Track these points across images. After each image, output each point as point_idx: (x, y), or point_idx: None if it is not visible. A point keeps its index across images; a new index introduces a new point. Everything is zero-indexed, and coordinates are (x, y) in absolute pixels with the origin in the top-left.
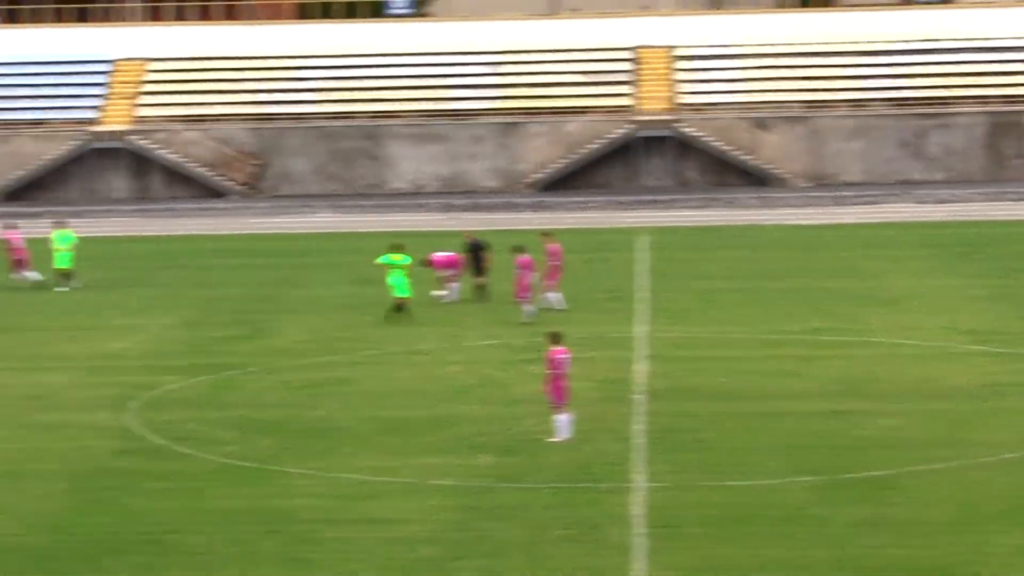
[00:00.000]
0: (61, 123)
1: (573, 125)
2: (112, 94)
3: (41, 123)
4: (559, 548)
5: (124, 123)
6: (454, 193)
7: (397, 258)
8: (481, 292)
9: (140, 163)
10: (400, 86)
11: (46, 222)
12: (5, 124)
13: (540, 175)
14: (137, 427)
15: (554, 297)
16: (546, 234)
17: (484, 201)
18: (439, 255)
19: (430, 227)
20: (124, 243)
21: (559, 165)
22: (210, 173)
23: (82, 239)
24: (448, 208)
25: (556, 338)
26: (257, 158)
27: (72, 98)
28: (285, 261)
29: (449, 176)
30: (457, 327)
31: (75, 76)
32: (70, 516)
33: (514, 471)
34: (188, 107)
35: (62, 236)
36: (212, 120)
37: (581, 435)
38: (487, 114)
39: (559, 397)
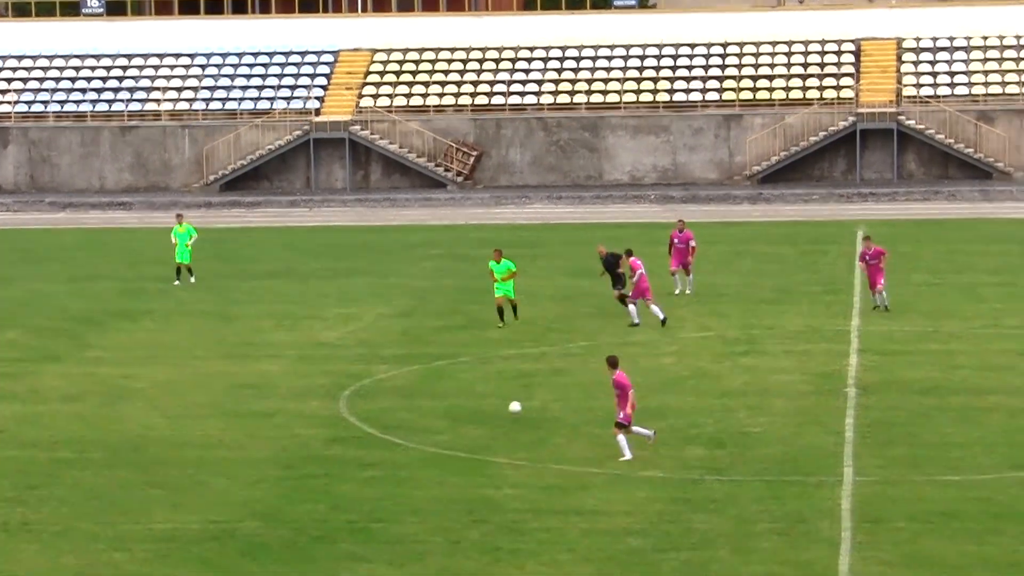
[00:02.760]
0: (283, 113)
1: (794, 117)
2: (335, 84)
3: (264, 113)
4: (766, 541)
5: (346, 113)
6: (672, 185)
7: (499, 265)
8: (623, 301)
9: (360, 153)
10: (621, 77)
11: (262, 212)
12: (228, 114)
13: (759, 167)
14: (348, 416)
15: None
16: (681, 221)
17: (702, 193)
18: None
19: (647, 219)
20: (343, 232)
21: (778, 157)
22: (429, 164)
23: (303, 229)
24: (666, 200)
25: (615, 362)
26: (476, 149)
27: (295, 88)
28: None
29: (668, 168)
30: (672, 319)
31: (299, 67)
32: (280, 503)
33: (723, 463)
34: (409, 98)
35: (182, 231)
36: (433, 111)
37: (792, 428)
38: (707, 106)
39: (628, 418)
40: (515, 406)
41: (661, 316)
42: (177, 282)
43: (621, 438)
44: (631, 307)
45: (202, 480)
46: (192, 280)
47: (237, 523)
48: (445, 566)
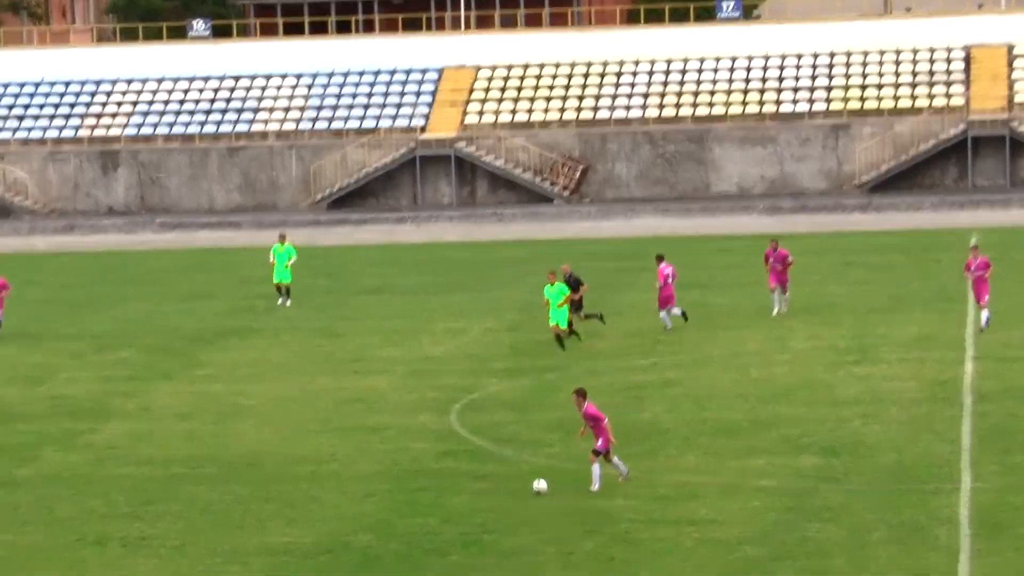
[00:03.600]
0: (389, 131)
1: (903, 125)
2: (439, 102)
3: (370, 132)
4: (883, 550)
5: (451, 130)
6: (780, 195)
7: (553, 289)
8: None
9: (466, 169)
10: (727, 89)
11: (369, 229)
12: (335, 133)
13: (869, 176)
14: (459, 429)
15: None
16: (775, 239)
17: (811, 203)
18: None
19: (756, 230)
20: (449, 248)
21: (888, 166)
22: (535, 178)
23: (410, 245)
24: (775, 211)
25: (583, 394)
26: (581, 163)
27: (400, 106)
28: (609, 265)
29: (776, 178)
30: (782, 329)
31: (404, 85)
32: (392, 517)
33: (838, 472)
34: (514, 113)
35: (282, 251)
36: (538, 126)
37: (907, 437)
38: (815, 116)
39: (605, 445)
40: (540, 484)
41: (668, 325)
42: (280, 301)
43: (595, 467)
44: (662, 314)
45: (315, 495)
46: (288, 303)
47: (350, 536)
48: None
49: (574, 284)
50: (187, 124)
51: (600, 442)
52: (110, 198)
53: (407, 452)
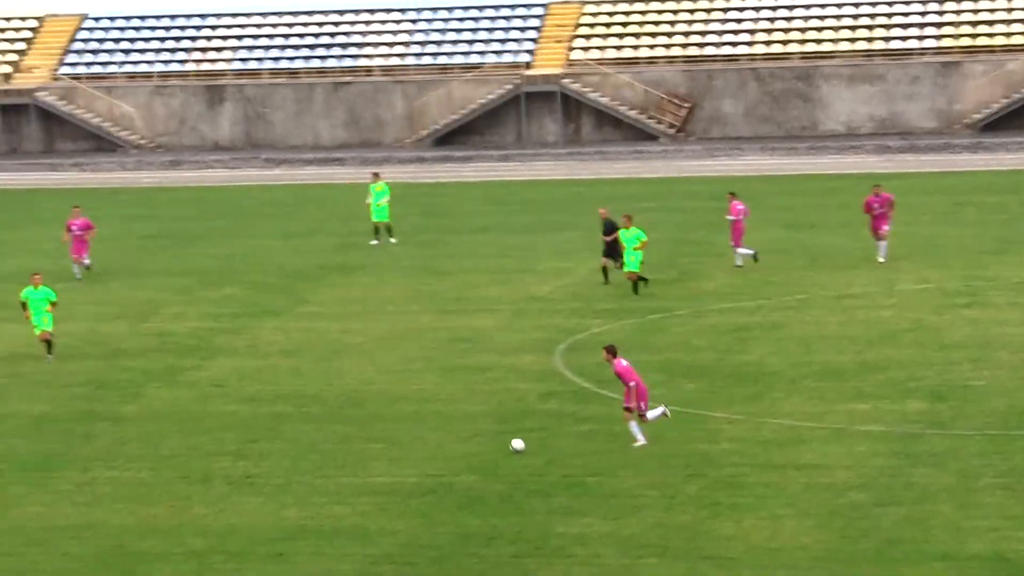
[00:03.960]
0: (494, 67)
1: (1015, 63)
2: (545, 38)
3: (475, 67)
4: (990, 496)
5: (557, 67)
6: (889, 134)
7: (629, 234)
8: (606, 274)
9: (572, 106)
10: (835, 26)
11: (474, 167)
12: (440, 69)
13: (979, 115)
14: (563, 370)
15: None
16: (877, 186)
17: (920, 143)
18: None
19: (864, 169)
20: (554, 187)
21: (999, 105)
22: (641, 116)
23: (515, 183)
24: (883, 150)
25: (613, 351)
26: (688, 100)
27: (506, 42)
28: (714, 205)
29: (885, 117)
30: (890, 271)
31: (509, 20)
32: (496, 457)
33: (945, 417)
34: (620, 50)
35: (378, 189)
36: (644, 63)
37: (1016, 382)
38: (924, 53)
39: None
40: (518, 443)
41: (738, 263)
42: (375, 241)
43: (632, 424)
44: (738, 250)
45: (419, 434)
46: (392, 240)
47: (454, 477)
48: (661, 520)
49: (610, 228)
50: (292, 59)
51: (632, 402)
52: (216, 133)
53: (511, 392)
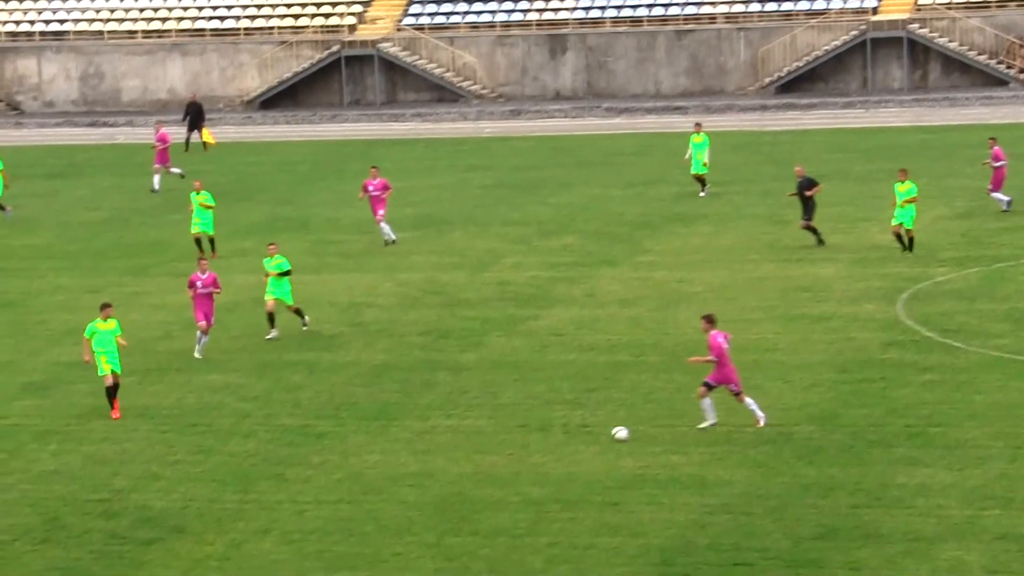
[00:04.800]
0: (839, 13)
1: None
2: None
3: (819, 14)
4: None
5: (904, 11)
6: None
7: (904, 187)
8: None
9: (919, 52)
10: None
11: (817, 114)
12: (783, 15)
13: None
14: (905, 319)
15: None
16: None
17: None
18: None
19: None
20: (899, 133)
21: None
22: (990, 61)
23: (859, 130)
24: None
25: (711, 320)
26: None
27: None
28: None
29: None
30: None
31: None
32: (836, 407)
33: None
34: None
35: (697, 141)
36: (994, 6)
37: None
38: None
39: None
40: (621, 432)
41: (1003, 207)
42: (703, 193)
43: (704, 401)
44: (995, 195)
45: (758, 384)
46: (703, 193)
47: (793, 427)
48: (1005, 472)
49: (807, 184)
50: (635, 7)
51: (713, 375)
52: (557, 83)
53: (852, 342)
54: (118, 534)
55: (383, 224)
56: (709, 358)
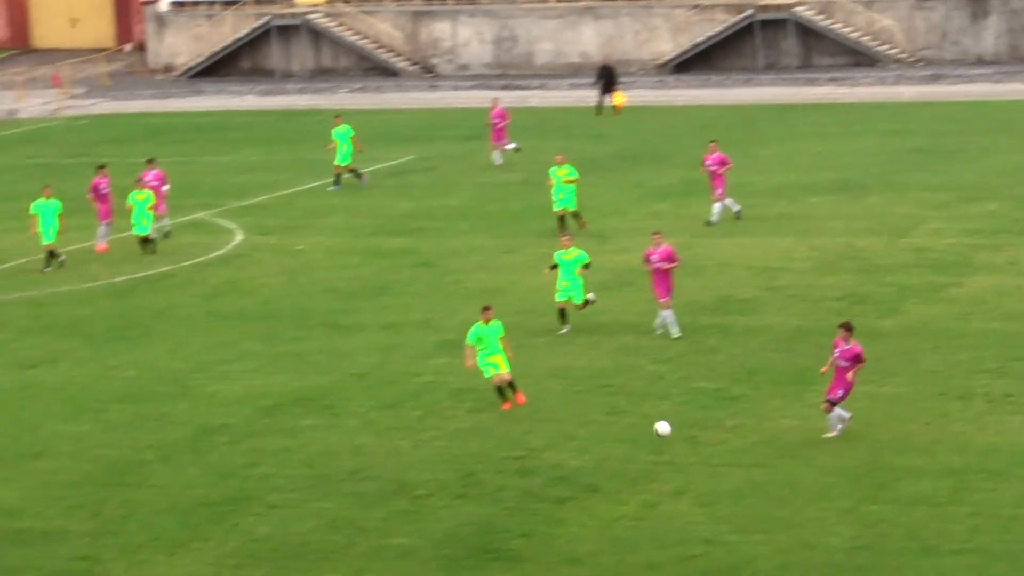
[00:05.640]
0: None
1: None
2: None
3: None
4: None
5: None
6: None
7: None
8: None
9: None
10: None
11: None
12: None
13: None
14: None
15: None
16: None
17: None
18: None
19: None
20: None
21: None
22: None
23: None
24: None
25: (849, 328)
26: None
27: None
28: None
29: None
30: None
31: None
32: None
33: None
34: None
35: None
36: None
37: None
38: None
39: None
40: (663, 428)
41: None
42: None
43: (832, 415)
44: None
45: None
46: None
47: None
48: None
49: None
50: None
51: (835, 390)
52: (979, 47)
53: None
54: (532, 492)
55: (719, 204)
56: (849, 376)
